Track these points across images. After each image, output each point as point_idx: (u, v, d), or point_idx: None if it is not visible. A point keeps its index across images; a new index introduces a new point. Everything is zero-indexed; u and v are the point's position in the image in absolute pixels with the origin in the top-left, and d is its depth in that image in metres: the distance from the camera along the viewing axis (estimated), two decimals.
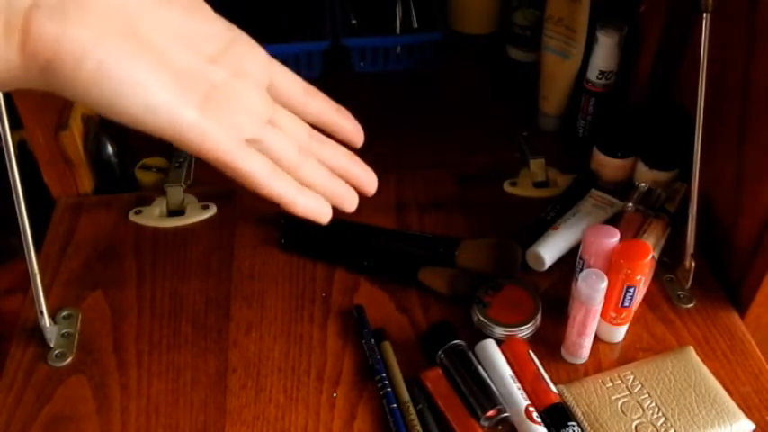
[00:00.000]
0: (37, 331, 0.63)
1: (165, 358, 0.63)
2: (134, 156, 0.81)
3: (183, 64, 0.37)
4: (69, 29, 0.32)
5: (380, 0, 0.93)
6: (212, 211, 0.76)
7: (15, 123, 0.63)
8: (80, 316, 0.66)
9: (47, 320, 0.62)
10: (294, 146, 0.43)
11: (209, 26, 0.40)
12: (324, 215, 0.45)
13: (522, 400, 0.58)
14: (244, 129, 0.39)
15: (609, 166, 0.76)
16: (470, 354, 0.61)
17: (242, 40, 0.41)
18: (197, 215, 0.75)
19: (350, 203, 0.47)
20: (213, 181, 0.79)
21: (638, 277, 0.58)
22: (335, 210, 0.75)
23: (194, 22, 0.39)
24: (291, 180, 0.43)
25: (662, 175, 0.74)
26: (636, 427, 0.57)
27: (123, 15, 0.35)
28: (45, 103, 0.71)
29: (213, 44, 0.39)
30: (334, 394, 0.60)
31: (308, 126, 0.45)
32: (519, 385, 0.59)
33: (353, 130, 0.47)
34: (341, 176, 0.46)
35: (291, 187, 0.42)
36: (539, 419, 0.56)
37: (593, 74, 0.79)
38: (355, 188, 0.47)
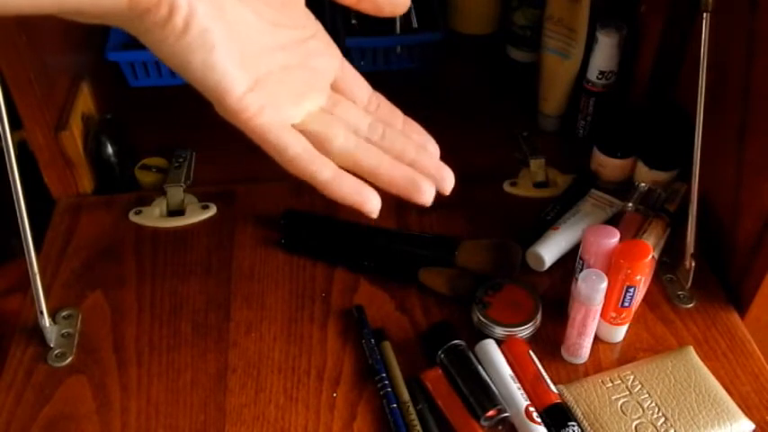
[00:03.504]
0: (37, 331, 0.63)
1: (165, 358, 0.63)
2: (134, 156, 0.81)
3: (252, 43, 0.39)
4: None
5: None
6: (212, 211, 0.76)
7: (15, 123, 0.63)
8: (80, 316, 0.66)
9: (47, 320, 0.62)
10: (346, 132, 0.43)
11: (294, 19, 0.42)
12: (367, 203, 0.43)
13: (522, 400, 0.58)
14: (288, 112, 0.41)
15: (609, 166, 0.76)
16: (470, 354, 0.61)
17: (319, 37, 0.43)
18: (197, 215, 0.75)
19: (416, 193, 0.45)
20: (213, 181, 0.80)
21: (638, 277, 0.58)
22: (335, 210, 0.76)
23: (280, 12, 0.41)
24: (330, 163, 0.42)
25: (662, 175, 0.74)
26: (636, 427, 0.57)
27: None
28: (45, 103, 0.71)
29: (290, 35, 0.41)
30: (335, 394, 0.60)
31: (371, 118, 0.45)
32: (519, 385, 0.59)
33: (421, 142, 0.46)
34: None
35: (328, 169, 0.42)
36: (539, 419, 0.56)
37: (593, 74, 0.79)
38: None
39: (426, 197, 0.45)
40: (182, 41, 0.37)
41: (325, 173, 0.42)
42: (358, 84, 0.45)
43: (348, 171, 0.43)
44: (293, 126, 0.41)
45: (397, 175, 0.44)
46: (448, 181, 0.46)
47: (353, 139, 0.43)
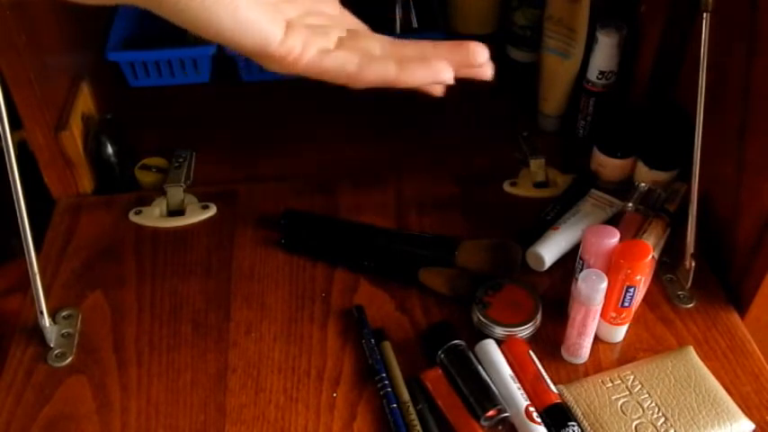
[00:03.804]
0: (37, 331, 0.63)
1: (165, 358, 0.63)
2: (134, 156, 0.81)
3: None
4: None
5: (380, 0, 0.93)
6: (212, 211, 0.76)
7: (15, 123, 0.63)
8: (80, 316, 0.66)
9: (47, 320, 0.62)
10: (378, 41, 0.44)
11: None
12: (440, 73, 0.45)
13: (522, 400, 0.58)
14: (321, 42, 0.42)
15: (609, 166, 0.76)
16: (470, 354, 0.61)
17: None
18: (197, 215, 0.75)
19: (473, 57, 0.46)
20: (213, 181, 0.80)
21: (638, 277, 0.58)
22: (335, 210, 0.76)
23: None
24: (387, 59, 0.43)
25: (662, 175, 0.74)
26: (636, 427, 0.57)
27: None
28: (45, 103, 0.71)
29: None
30: (335, 394, 0.60)
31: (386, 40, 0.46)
32: (519, 385, 0.59)
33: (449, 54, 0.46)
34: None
35: (390, 64, 0.43)
36: (539, 419, 0.56)
37: (593, 74, 0.79)
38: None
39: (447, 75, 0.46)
40: (206, 2, 0.36)
41: (390, 69, 0.43)
42: (360, 25, 0.47)
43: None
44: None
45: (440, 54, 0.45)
46: (479, 51, 0.46)
47: (387, 42, 0.44)
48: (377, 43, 0.43)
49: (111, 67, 0.91)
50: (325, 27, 0.43)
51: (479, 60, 0.46)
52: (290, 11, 0.42)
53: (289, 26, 0.40)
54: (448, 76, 0.45)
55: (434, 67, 0.44)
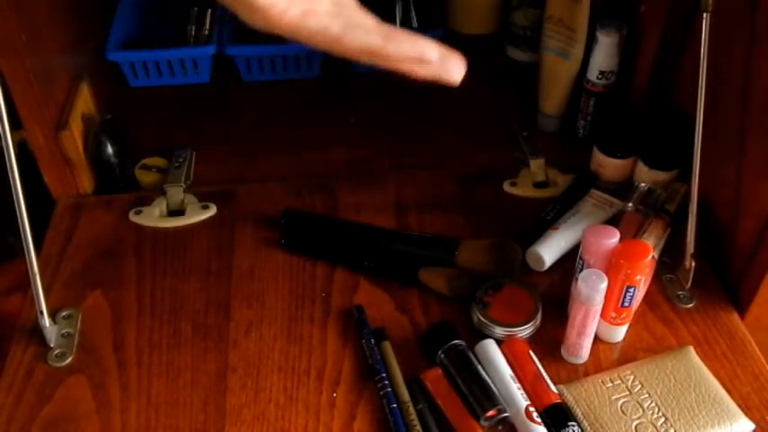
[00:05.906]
0: (37, 331, 0.63)
1: (164, 358, 0.63)
2: (134, 156, 0.81)
3: None
4: None
5: (380, 0, 0.93)
6: (212, 211, 0.76)
7: (15, 123, 0.63)
8: (80, 316, 0.66)
9: (47, 320, 0.62)
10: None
11: None
12: (426, 52, 0.42)
13: (522, 400, 0.58)
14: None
15: (609, 166, 0.76)
16: (470, 354, 0.61)
17: None
18: (197, 215, 0.75)
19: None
20: (213, 181, 0.80)
21: (638, 277, 0.58)
22: (335, 210, 0.76)
23: None
24: (373, 31, 0.41)
25: (662, 175, 0.74)
26: (636, 427, 0.57)
27: None
28: (45, 103, 0.71)
29: None
30: (335, 394, 0.60)
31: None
32: (519, 385, 0.59)
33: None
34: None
35: (376, 34, 0.41)
36: (539, 419, 0.56)
37: (593, 74, 0.79)
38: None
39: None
40: None
41: (376, 39, 0.41)
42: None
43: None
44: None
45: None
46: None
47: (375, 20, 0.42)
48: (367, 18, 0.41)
49: (111, 67, 0.91)
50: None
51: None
52: None
53: None
54: (433, 55, 0.43)
55: (421, 44, 0.42)
